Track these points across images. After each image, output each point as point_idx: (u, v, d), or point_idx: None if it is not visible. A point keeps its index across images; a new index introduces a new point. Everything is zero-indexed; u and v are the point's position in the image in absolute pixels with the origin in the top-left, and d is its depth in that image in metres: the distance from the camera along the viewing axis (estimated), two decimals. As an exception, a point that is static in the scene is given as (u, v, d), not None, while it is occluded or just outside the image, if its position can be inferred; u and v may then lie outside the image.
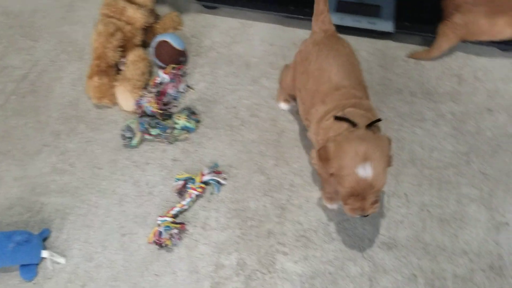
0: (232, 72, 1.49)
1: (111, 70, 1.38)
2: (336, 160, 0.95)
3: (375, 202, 0.99)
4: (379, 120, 1.02)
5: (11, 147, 1.37)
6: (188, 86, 1.43)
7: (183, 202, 1.21)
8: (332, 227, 1.24)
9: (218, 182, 1.26)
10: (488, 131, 1.40)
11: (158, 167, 1.31)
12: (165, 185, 1.28)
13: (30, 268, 1.13)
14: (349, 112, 1.02)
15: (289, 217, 1.25)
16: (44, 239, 1.18)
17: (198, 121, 1.36)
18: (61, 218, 1.23)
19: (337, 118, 1.01)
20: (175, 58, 1.42)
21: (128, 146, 1.32)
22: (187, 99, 1.43)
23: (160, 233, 1.16)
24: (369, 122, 1.00)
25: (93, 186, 1.29)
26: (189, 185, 1.23)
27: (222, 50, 1.55)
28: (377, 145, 0.95)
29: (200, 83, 1.47)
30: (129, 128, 1.30)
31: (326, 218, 1.25)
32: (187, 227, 1.22)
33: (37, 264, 1.14)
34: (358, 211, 0.99)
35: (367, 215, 1.00)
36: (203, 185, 1.24)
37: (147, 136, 1.31)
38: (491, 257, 1.20)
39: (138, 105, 1.33)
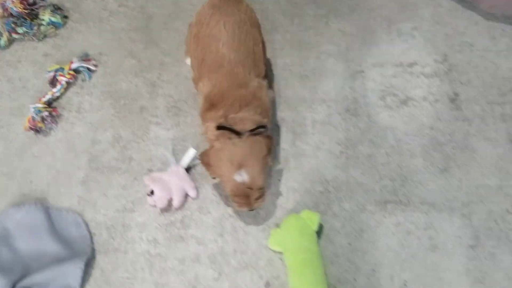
0: (97, -33, 1.50)
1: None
2: (215, 168, 1.01)
3: (260, 197, 1.04)
4: (263, 127, 1.04)
5: None
6: (52, -15, 1.43)
7: (54, 90, 1.27)
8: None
9: (89, 69, 1.31)
10: (346, -7, 1.47)
11: (30, 63, 1.35)
12: (38, 79, 1.33)
13: None
14: (232, 119, 1.02)
15: (160, 92, 1.32)
16: None
17: (65, 17, 1.39)
18: None
19: (220, 128, 1.02)
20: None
21: (-4, 47, 1.35)
22: (54, -1, 1.45)
23: (33, 118, 1.22)
24: (253, 124, 1.02)
25: (-33, 89, 1.33)
26: (60, 73, 1.28)
27: None
28: (252, 151, 1.00)
29: (64, -20, 1.48)
30: (-6, 29, 1.32)
31: (191, 85, 1.31)
32: (63, 112, 1.28)
33: None
34: (245, 207, 1.05)
35: (254, 209, 1.08)
36: (72, 72, 1.29)
37: (15, 36, 1.34)
38: (347, 101, 1.31)
39: (3, 7, 1.34)
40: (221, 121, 1.02)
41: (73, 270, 1.06)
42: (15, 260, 1.08)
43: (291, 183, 1.20)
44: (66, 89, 1.29)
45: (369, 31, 1.40)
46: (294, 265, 1.06)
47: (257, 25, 1.15)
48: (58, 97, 1.28)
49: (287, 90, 1.32)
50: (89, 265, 1.09)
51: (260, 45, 1.13)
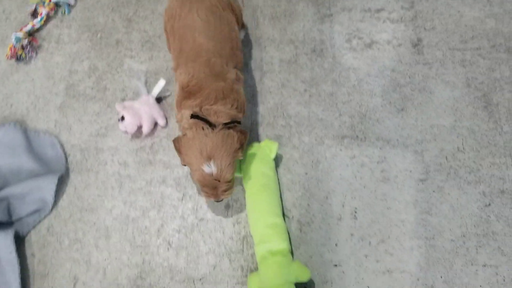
0: None
1: None
2: (185, 156, 0.98)
3: (227, 189, 1.02)
4: (238, 122, 1.02)
5: None
6: None
7: (34, 21, 1.29)
8: (174, 32, 1.34)
9: (68, 4, 1.33)
10: None
11: (12, -4, 1.37)
12: (20, 12, 1.35)
13: None
14: (207, 110, 0.99)
15: (136, 27, 1.34)
16: None
17: (47, -48, 1.38)
18: None
19: (194, 117, 0.99)
20: None
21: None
22: None
23: (14, 46, 1.25)
24: (227, 118, 0.99)
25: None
26: (41, 5, 1.29)
27: None
28: (223, 144, 0.96)
29: None
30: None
31: (169, 25, 1.34)
32: (43, 43, 1.31)
33: None
34: (212, 197, 1.03)
35: (221, 200, 1.05)
36: (52, 5, 1.31)
37: (-2, -31, 1.34)
38: (314, 43, 1.32)
39: None
40: (196, 110, 1.00)
41: (48, 185, 1.11)
42: (-7, 174, 1.14)
43: (255, 117, 1.23)
44: (46, 21, 1.31)
45: (340, -23, 1.40)
46: (252, 188, 1.10)
47: (228, 4, 1.10)
48: (38, 29, 1.30)
49: (257, 31, 1.33)
50: (63, 182, 1.15)
51: (236, 29, 1.10)
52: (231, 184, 1.03)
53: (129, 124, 1.17)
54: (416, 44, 1.32)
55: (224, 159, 0.97)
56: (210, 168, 0.96)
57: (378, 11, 1.36)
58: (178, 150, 1.01)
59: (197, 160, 0.96)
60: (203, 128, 0.97)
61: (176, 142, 1.01)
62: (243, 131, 1.02)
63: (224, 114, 1.00)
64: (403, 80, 1.28)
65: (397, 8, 1.36)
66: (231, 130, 0.99)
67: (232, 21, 1.10)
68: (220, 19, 1.06)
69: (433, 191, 1.15)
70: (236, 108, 1.03)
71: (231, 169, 0.99)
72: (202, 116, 0.98)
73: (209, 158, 0.96)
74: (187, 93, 1.02)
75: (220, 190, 1.01)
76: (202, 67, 1.01)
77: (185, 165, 1.01)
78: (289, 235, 1.07)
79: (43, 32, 1.32)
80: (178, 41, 1.05)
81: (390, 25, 1.34)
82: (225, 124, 0.99)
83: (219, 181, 0.98)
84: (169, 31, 1.09)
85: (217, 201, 1.06)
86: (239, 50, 1.11)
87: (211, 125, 0.98)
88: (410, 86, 1.27)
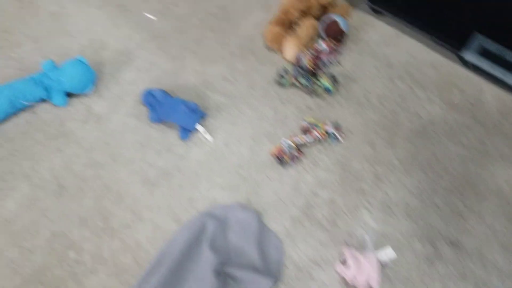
0: (374, 65, 1.61)
1: (288, 25, 1.58)
2: None
3: None
4: None
5: (198, 49, 1.59)
6: (338, 62, 1.58)
7: (306, 138, 1.37)
8: (411, 208, 1.33)
9: (336, 137, 1.40)
10: None
11: (294, 107, 1.48)
12: (294, 121, 1.45)
13: (186, 132, 1.34)
14: None
15: (382, 187, 1.36)
16: (201, 117, 1.39)
17: (336, 88, 1.50)
18: (217, 110, 1.44)
19: None
20: (337, 36, 1.58)
21: (280, 83, 1.50)
22: (333, 70, 1.57)
23: (283, 150, 1.32)
24: None
25: (246, 99, 1.49)
26: (316, 128, 1.39)
27: (373, 46, 1.66)
28: None
29: (347, 62, 1.60)
30: (285, 70, 1.49)
31: (409, 198, 1.34)
32: (303, 158, 1.37)
33: (190, 131, 1.35)
34: None
35: None
36: (324, 132, 1.39)
37: (295, 82, 1.48)
38: None
39: (298, 58, 1.51)
40: None
41: (263, 284, 1.11)
42: (223, 246, 1.16)
43: None
44: (313, 142, 1.40)
45: None
46: None
47: None
48: (304, 145, 1.38)
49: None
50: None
51: None
52: None
53: (351, 274, 1.14)
54: None
55: None
56: None
57: None
58: None
59: None
60: None
61: None
62: None
63: None
64: None
65: None
66: None
67: None
68: None
69: None
70: None
71: None
72: None
73: None
74: None
75: None
76: None
77: None
78: None
79: (307, 149, 1.40)
80: None
81: None
82: None
83: None
84: None
85: None
86: None
87: None
88: None
